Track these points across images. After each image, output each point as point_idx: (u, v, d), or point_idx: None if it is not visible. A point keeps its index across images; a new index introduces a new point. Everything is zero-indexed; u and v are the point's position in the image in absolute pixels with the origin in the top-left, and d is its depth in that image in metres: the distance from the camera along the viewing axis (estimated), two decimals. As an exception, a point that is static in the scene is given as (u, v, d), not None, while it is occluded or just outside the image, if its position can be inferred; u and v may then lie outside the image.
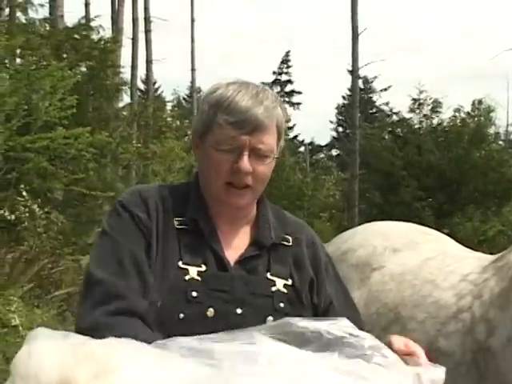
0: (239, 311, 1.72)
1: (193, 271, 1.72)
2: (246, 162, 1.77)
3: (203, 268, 1.73)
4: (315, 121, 70.72)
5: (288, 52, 44.53)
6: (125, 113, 17.08)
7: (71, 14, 20.65)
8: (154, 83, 29.77)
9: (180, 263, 1.72)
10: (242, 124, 1.76)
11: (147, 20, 23.06)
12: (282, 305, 1.78)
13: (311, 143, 43.16)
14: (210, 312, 1.69)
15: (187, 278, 1.71)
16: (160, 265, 1.72)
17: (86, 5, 22.46)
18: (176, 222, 1.78)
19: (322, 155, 43.36)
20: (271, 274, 1.81)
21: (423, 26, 77.14)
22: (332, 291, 1.92)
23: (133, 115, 17.22)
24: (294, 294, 1.82)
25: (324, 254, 1.99)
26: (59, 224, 10.55)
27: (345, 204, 21.07)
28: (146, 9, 23.18)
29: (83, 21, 18.19)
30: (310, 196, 23.10)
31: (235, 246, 1.83)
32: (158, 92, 36.39)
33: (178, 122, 18.39)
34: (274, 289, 1.79)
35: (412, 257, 3.16)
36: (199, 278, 1.71)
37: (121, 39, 19.79)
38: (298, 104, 45.15)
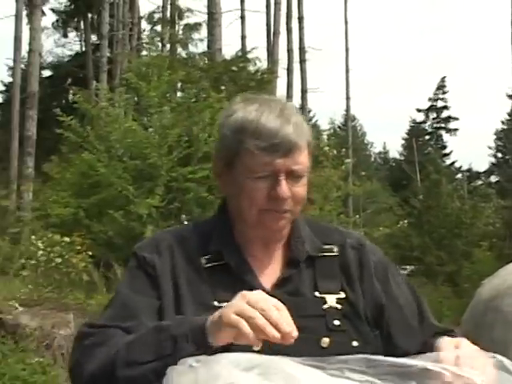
0: None
1: None
2: (284, 188, 1.63)
3: None
4: (473, 147, 68.73)
5: (444, 78, 43.75)
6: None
7: (229, 47, 21.21)
8: (309, 112, 29.96)
9: (215, 303, 1.60)
10: (274, 148, 1.60)
11: (302, 50, 23.34)
12: (336, 322, 1.62)
13: (469, 170, 41.87)
14: (256, 346, 1.53)
15: None
16: (192, 308, 1.61)
17: (243, 38, 23.10)
18: (204, 261, 1.68)
19: (480, 182, 41.95)
20: (319, 292, 1.66)
21: None
22: (386, 294, 1.72)
23: (289, 144, 17.33)
24: (348, 307, 1.66)
25: (376, 254, 1.78)
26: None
27: (506, 232, 20.22)
28: (301, 39, 23.48)
29: (240, 53, 18.64)
30: (468, 224, 22.30)
31: (271, 270, 1.70)
32: (313, 121, 36.58)
33: (335, 151, 18.32)
34: (325, 306, 1.64)
35: None
36: None
37: (276, 70, 20.11)
38: (455, 130, 44.11)
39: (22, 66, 21.56)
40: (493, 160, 43.22)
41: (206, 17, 21.24)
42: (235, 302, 1.39)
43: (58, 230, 10.46)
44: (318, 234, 1.77)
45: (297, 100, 24.92)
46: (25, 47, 19.54)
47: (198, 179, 11.01)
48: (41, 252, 9.07)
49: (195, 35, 28.33)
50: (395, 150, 68.07)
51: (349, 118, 28.83)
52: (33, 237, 9.91)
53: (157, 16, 28.75)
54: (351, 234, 1.84)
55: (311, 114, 35.20)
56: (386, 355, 1.41)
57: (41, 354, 6.00)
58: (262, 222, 1.67)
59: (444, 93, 43.64)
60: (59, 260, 8.93)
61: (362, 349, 1.58)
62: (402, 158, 43.32)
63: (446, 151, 43.28)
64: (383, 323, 1.71)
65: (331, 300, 1.65)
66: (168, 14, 26.79)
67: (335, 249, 1.74)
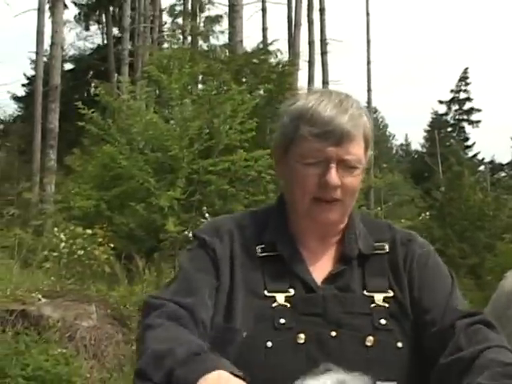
0: (334, 334, 1.58)
1: (280, 298, 1.62)
2: (333, 175, 1.64)
3: (291, 293, 1.63)
4: (496, 138, 68.18)
5: (466, 69, 43.36)
6: (302, 134, 17.19)
7: (250, 40, 21.19)
8: (330, 104, 29.86)
9: (265, 292, 1.63)
10: (327, 135, 1.64)
11: (323, 42, 23.25)
12: (383, 321, 1.62)
13: (492, 162, 41.54)
14: (301, 338, 1.57)
15: (274, 305, 1.61)
16: (243, 295, 1.63)
17: (264, 30, 23.06)
18: (258, 250, 1.70)
19: (503, 174, 41.62)
20: (368, 290, 1.67)
21: None
22: (430, 288, 1.70)
23: (310, 137, 17.29)
24: (396, 306, 1.66)
25: (423, 247, 1.77)
26: (240, 245, 10.72)
27: (530, 225, 20.06)
28: (322, 31, 23.38)
29: (261, 45, 18.61)
30: (491, 216, 22.17)
31: (323, 264, 1.71)
32: (334, 113, 36.49)
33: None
34: (372, 305, 1.64)
35: None
36: (288, 304, 1.61)
37: (298, 62, 20.05)
38: (478, 122, 43.72)
39: (45, 59, 21.66)
40: (516, 152, 42.87)
41: (227, 9, 21.26)
42: None
43: (80, 222, 10.53)
44: (371, 230, 1.78)
45: (318, 92, 24.84)
46: (47, 41, 19.65)
47: (219, 171, 11.02)
48: (63, 244, 9.13)
49: (216, 27, 28.35)
50: (417, 142, 67.79)
51: (370, 110, 28.66)
52: (55, 229, 9.96)
53: (178, 8, 28.80)
54: (402, 230, 1.84)
55: (332, 106, 35.09)
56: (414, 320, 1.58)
57: (63, 345, 6.05)
58: (311, 212, 1.69)
59: (467, 84, 43.28)
60: (81, 252, 8.99)
61: (405, 351, 1.61)
62: (424, 150, 43.09)
63: (469, 143, 42.96)
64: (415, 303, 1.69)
65: (379, 298, 1.66)
66: (189, 7, 26.83)
67: (386, 246, 1.75)
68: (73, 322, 6.35)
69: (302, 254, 1.71)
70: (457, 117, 44.02)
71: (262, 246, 1.70)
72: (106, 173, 11.70)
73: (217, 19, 28.36)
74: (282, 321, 1.59)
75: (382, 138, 45.37)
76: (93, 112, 11.81)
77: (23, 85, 31.00)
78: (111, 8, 29.61)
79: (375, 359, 1.58)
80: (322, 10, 23.51)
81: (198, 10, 27.52)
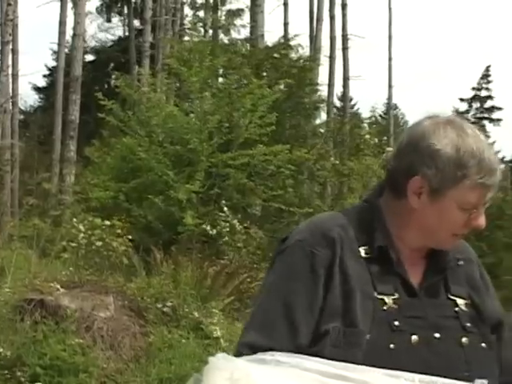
0: (437, 335, 1.65)
1: (389, 300, 1.66)
2: (484, 219, 1.72)
3: (396, 296, 1.67)
4: (517, 137, 67.61)
5: (488, 67, 42.97)
6: (322, 130, 17.17)
7: (271, 34, 21.15)
8: (351, 100, 29.76)
9: (375, 293, 1.66)
10: (494, 187, 1.69)
11: (345, 38, 23.16)
12: (469, 324, 1.72)
13: (512, 161, 41.28)
14: (415, 340, 1.63)
15: (385, 307, 1.65)
16: (359, 296, 1.65)
17: (285, 24, 22.98)
18: (362, 251, 1.71)
19: (524, 173, 41.33)
20: (451, 295, 1.75)
21: None
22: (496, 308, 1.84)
23: (330, 132, 17.27)
24: (475, 312, 1.75)
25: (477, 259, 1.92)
26: (257, 239, 10.72)
27: (549, 225, 19.91)
28: (344, 26, 23.29)
29: (282, 40, 18.57)
30: (510, 215, 22.04)
31: (416, 271, 1.75)
32: (355, 109, 36.34)
33: (376, 140, 18.21)
34: (457, 309, 1.73)
35: None
36: (396, 307, 1.65)
37: (319, 57, 20.00)
38: (499, 120, 43.37)
39: (66, 50, 21.75)
40: (537, 151, 42.58)
41: (248, 3, 21.24)
42: None
43: (99, 213, 10.56)
44: (454, 246, 1.84)
45: (339, 88, 24.81)
46: (69, 32, 19.71)
47: (237, 165, 11.03)
48: (82, 235, 9.16)
49: (238, 21, 28.32)
50: (437, 140, 66.98)
51: (391, 106, 28.52)
52: (74, 220, 10.01)
53: (200, 1, 28.79)
54: (470, 248, 1.93)
55: (353, 102, 34.97)
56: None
57: (81, 336, 6.07)
58: (444, 244, 1.76)
59: (488, 82, 42.91)
60: (100, 243, 9.01)
61: (488, 351, 1.72)
62: (444, 148, 42.75)
63: (489, 141, 42.70)
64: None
65: (461, 303, 1.75)
66: (211, 0, 26.81)
67: (461, 262, 1.82)
68: (90, 312, 6.37)
69: (403, 261, 1.75)
70: (478, 115, 43.72)
71: (366, 247, 1.72)
72: (125, 165, 11.74)
73: (238, 13, 28.34)
74: (397, 323, 1.63)
75: (401, 134, 45.09)
76: (113, 104, 11.85)
77: (44, 75, 31.12)
78: (133, 0, 29.66)
79: (471, 359, 1.67)
80: (343, 6, 23.40)
81: (219, 3, 27.50)
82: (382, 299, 1.66)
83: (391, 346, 1.60)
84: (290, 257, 1.71)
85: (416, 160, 1.70)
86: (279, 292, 1.68)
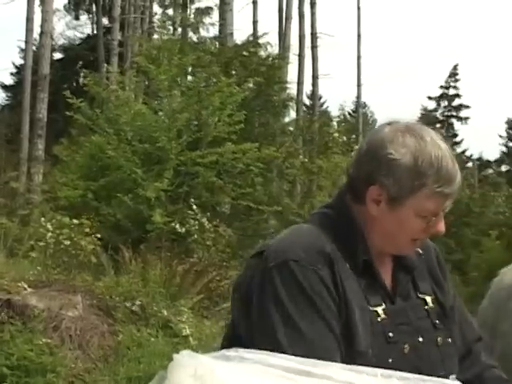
0: (421, 339, 1.68)
1: (380, 311, 1.67)
2: (443, 225, 1.73)
3: (383, 306, 1.68)
4: (484, 135, 68.35)
5: (456, 65, 43.36)
6: (291, 128, 17.20)
7: (240, 32, 21.09)
8: (320, 98, 29.89)
9: (369, 307, 1.66)
10: (453, 195, 1.70)
11: (314, 36, 23.24)
12: (437, 321, 1.74)
13: (479, 158, 41.67)
14: (406, 349, 1.66)
15: (379, 319, 1.66)
16: (358, 312, 1.64)
17: (254, 22, 23.00)
18: (348, 265, 1.69)
19: (490, 171, 41.76)
20: (420, 293, 1.77)
21: None
22: (456, 299, 1.88)
23: (299, 130, 17.31)
24: (439, 307, 1.78)
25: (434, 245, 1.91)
26: (227, 237, 10.73)
27: (516, 222, 20.14)
28: (313, 25, 23.37)
29: (251, 38, 18.57)
30: (477, 213, 22.29)
31: (387, 276, 1.76)
32: (324, 107, 36.49)
33: (345, 138, 18.29)
34: (426, 307, 1.75)
35: None
36: (386, 317, 1.66)
37: (288, 55, 20.04)
38: (466, 118, 43.79)
39: (34, 48, 21.54)
40: (504, 149, 43.03)
41: (217, 1, 21.20)
42: None
43: (67, 212, 10.50)
44: None
45: (308, 86, 24.89)
46: (36, 29, 19.52)
47: (206, 163, 11.02)
48: (50, 234, 9.09)
49: (207, 19, 28.26)
50: (406, 138, 67.40)
51: (359, 104, 28.69)
52: (42, 219, 9.93)
53: (168, -1, 28.68)
54: None
55: (322, 100, 35.11)
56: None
57: (48, 335, 6.03)
58: (406, 250, 1.76)
59: (456, 80, 43.30)
60: (68, 242, 8.96)
61: (453, 346, 1.76)
62: (413, 146, 43.03)
63: (457, 139, 43.06)
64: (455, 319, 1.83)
65: (429, 300, 1.77)
66: (180, -2, 26.72)
67: (421, 251, 1.83)
68: (58, 312, 6.33)
69: (378, 269, 1.75)
70: (446, 113, 44.12)
71: (350, 261, 1.68)
72: (94, 163, 11.67)
73: (207, 11, 28.28)
74: (391, 334, 1.64)
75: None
76: (81, 102, 11.78)
77: (12, 73, 30.86)
78: (101, -2, 29.46)
79: (444, 357, 1.71)
80: (313, 4, 23.48)
81: (188, 2, 27.42)
82: (376, 311, 1.66)
83: (389, 360, 1.60)
84: (294, 278, 1.61)
85: (374, 169, 1.68)
86: (306, 317, 1.59)
